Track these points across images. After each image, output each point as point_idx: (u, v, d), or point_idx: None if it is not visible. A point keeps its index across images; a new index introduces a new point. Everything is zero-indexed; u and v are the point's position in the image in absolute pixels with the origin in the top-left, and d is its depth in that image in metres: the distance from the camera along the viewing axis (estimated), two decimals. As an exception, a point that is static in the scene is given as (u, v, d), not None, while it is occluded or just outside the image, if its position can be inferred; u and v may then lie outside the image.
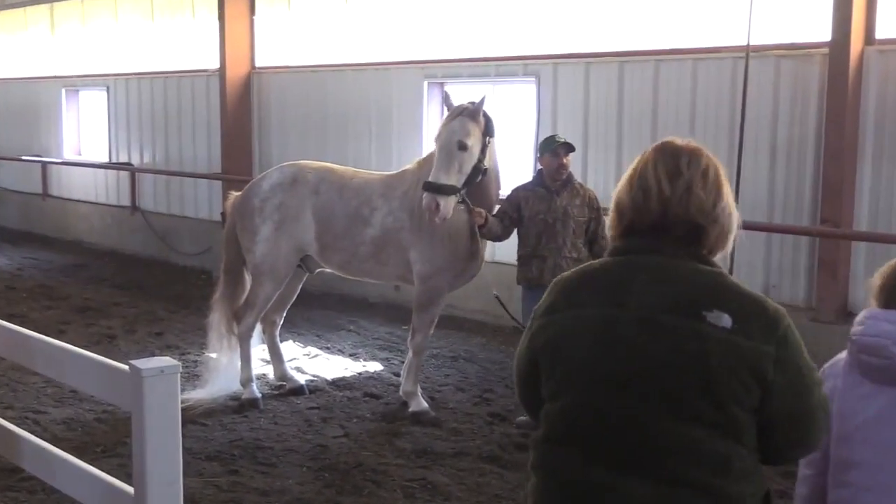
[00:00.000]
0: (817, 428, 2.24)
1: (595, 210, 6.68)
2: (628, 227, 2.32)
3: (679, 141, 2.38)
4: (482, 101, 6.49)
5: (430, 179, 6.39)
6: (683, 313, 2.15)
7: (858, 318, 2.61)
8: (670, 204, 2.25)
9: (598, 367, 2.22)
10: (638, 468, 2.14)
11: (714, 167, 2.32)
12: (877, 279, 2.65)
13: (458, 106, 6.52)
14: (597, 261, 2.45)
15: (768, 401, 2.14)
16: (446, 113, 6.61)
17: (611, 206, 2.40)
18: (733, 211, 2.31)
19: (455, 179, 6.37)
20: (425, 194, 6.34)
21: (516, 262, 6.77)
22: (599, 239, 6.65)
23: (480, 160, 6.46)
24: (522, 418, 6.76)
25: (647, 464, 2.14)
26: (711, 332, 2.12)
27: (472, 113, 6.45)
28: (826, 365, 2.65)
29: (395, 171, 7.53)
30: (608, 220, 2.42)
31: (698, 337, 2.12)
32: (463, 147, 6.37)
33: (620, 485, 2.15)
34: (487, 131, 6.50)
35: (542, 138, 7.20)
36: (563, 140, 6.72)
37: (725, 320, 2.13)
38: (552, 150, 6.64)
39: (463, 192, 6.43)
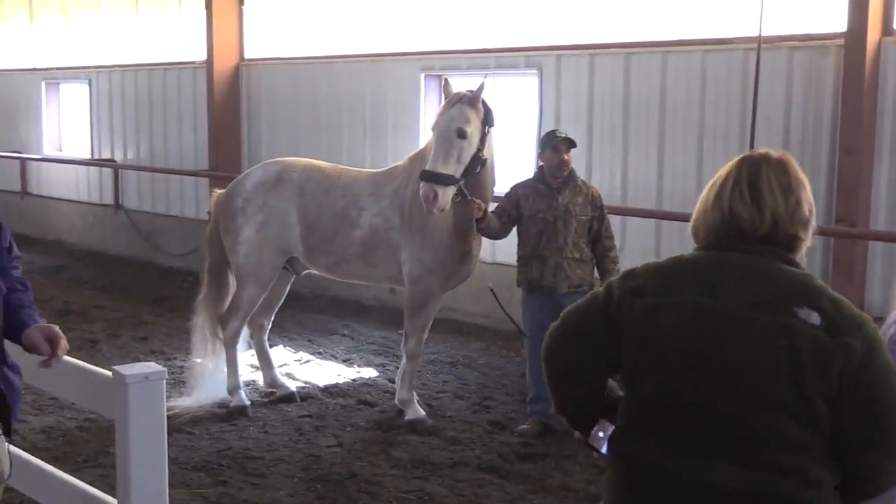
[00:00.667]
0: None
1: (598, 209, 6.68)
2: (733, 235, 2.51)
3: (774, 153, 2.59)
4: (481, 88, 6.48)
5: (427, 168, 6.38)
6: (775, 309, 2.35)
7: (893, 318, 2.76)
8: (782, 219, 2.47)
9: (688, 355, 2.40)
10: (724, 454, 2.33)
11: (805, 179, 2.55)
12: None
13: (457, 93, 6.51)
14: (688, 253, 2.62)
15: (850, 396, 2.30)
16: (444, 101, 6.61)
17: (709, 207, 2.61)
18: (814, 219, 2.56)
19: (453, 169, 6.35)
20: (423, 184, 6.32)
21: (516, 263, 6.78)
22: (603, 239, 6.65)
23: (479, 150, 6.45)
24: (524, 427, 6.77)
25: (734, 450, 2.32)
26: (801, 328, 2.31)
27: (472, 100, 6.44)
28: None
29: (384, 169, 7.53)
30: (695, 215, 2.66)
31: (789, 331, 2.31)
32: (462, 135, 6.35)
33: (706, 472, 2.33)
34: (487, 120, 6.49)
35: (543, 133, 7.21)
36: (564, 135, 6.72)
37: (815, 318, 2.32)
38: (553, 145, 6.64)
39: (461, 182, 6.42)
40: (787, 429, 2.32)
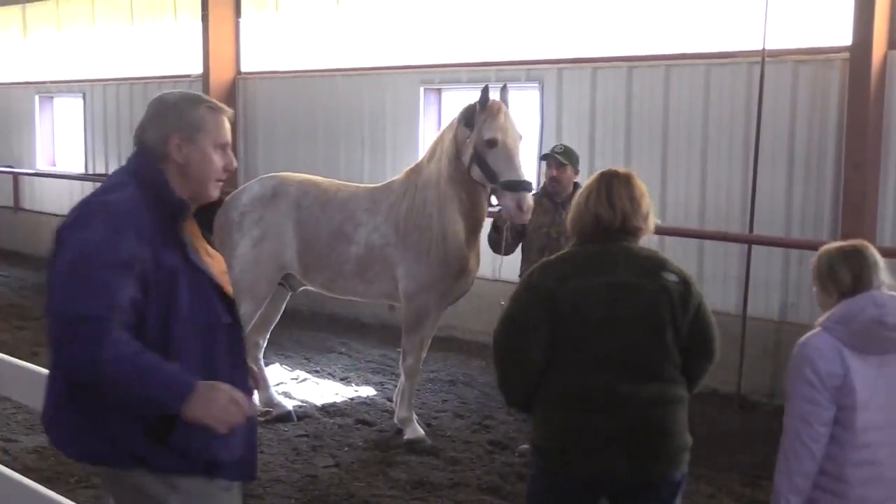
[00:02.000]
0: (716, 346, 3.64)
1: None
2: (599, 230, 3.64)
3: (622, 170, 3.76)
4: (506, 92, 6.61)
5: (516, 178, 6.32)
6: (652, 276, 3.56)
7: (879, 301, 3.42)
8: (629, 217, 3.63)
9: (610, 315, 3.51)
10: (645, 376, 3.52)
11: (643, 187, 3.70)
12: (845, 273, 3.50)
13: (495, 101, 6.53)
14: (575, 248, 3.72)
15: (696, 326, 3.58)
16: (498, 109, 6.53)
17: (581, 211, 3.68)
18: (652, 216, 3.73)
19: None
20: (527, 196, 6.28)
21: (518, 279, 6.76)
22: None
23: None
24: (524, 447, 6.74)
25: (649, 372, 3.53)
26: (670, 286, 3.54)
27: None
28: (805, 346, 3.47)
29: (381, 184, 7.53)
30: (572, 216, 3.73)
31: (665, 289, 3.53)
32: (521, 139, 6.52)
33: (639, 388, 3.50)
34: None
35: (546, 147, 7.21)
36: (560, 150, 6.62)
37: (674, 277, 3.56)
38: (543, 158, 6.69)
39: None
40: (671, 352, 3.53)
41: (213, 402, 2.77)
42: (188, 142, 3.05)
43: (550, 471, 3.60)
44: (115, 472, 2.95)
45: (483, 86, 6.53)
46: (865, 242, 3.62)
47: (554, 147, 6.76)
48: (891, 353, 3.43)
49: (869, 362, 3.40)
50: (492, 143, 6.35)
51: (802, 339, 3.48)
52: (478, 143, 6.42)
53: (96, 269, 2.76)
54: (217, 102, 3.20)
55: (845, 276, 3.49)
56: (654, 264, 3.61)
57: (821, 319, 3.47)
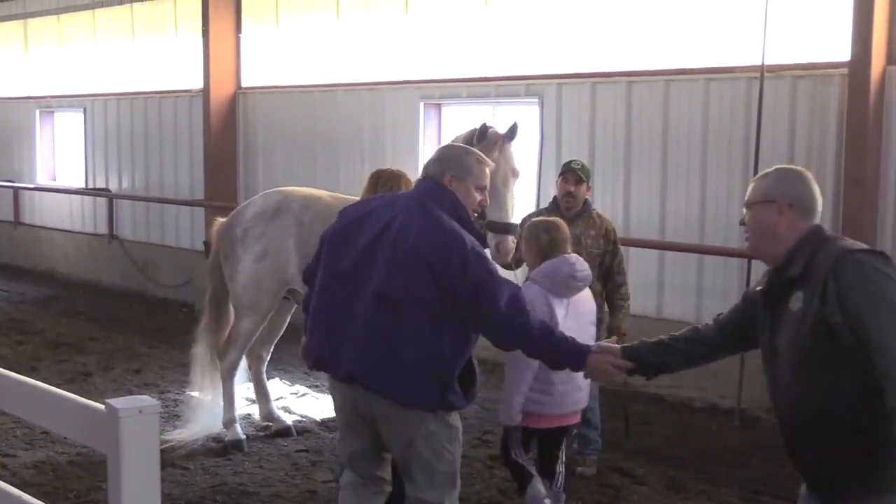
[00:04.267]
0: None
1: (612, 243, 6.59)
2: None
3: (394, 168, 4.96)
4: (516, 128, 6.21)
5: (499, 220, 5.89)
6: None
7: (570, 261, 5.09)
8: None
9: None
10: None
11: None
12: (545, 239, 5.23)
13: (493, 133, 6.13)
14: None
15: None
16: (488, 140, 6.09)
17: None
18: None
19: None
20: (507, 239, 5.85)
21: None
22: (614, 274, 6.54)
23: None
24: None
25: None
26: None
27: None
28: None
29: None
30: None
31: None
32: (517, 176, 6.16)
33: None
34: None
35: (546, 163, 7.18)
36: (578, 166, 6.63)
37: None
38: (562, 174, 6.61)
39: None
40: None
41: (601, 365, 4.21)
42: (459, 181, 4.38)
43: None
44: (420, 413, 4.22)
45: (481, 125, 6.11)
46: (560, 220, 5.42)
47: (572, 162, 6.70)
48: (576, 294, 5.11)
49: (562, 302, 5.02)
50: None
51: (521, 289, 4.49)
52: None
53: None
54: (482, 156, 4.53)
55: (544, 241, 5.17)
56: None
57: (532, 274, 5.15)
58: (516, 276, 6.63)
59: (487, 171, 4.44)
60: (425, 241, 4.14)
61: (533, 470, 5.24)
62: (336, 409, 4.61)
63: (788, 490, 6.44)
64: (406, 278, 4.14)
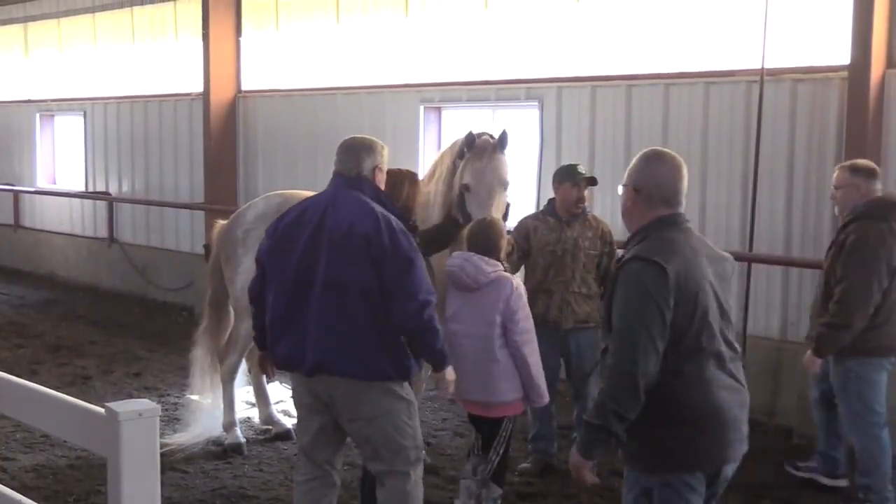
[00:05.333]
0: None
1: (608, 244, 6.63)
2: None
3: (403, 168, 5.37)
4: (505, 136, 6.24)
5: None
6: None
7: (463, 257, 5.55)
8: None
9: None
10: None
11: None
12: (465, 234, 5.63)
13: (483, 141, 6.16)
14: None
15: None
16: (476, 148, 6.14)
17: None
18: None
19: None
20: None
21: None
22: (611, 276, 6.57)
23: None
24: (525, 465, 6.74)
25: None
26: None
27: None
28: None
29: None
30: None
31: None
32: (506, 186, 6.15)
33: None
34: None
35: (546, 165, 7.18)
36: (586, 173, 6.72)
37: None
38: (574, 181, 6.58)
39: None
40: None
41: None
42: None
43: None
44: (380, 388, 4.62)
45: (467, 133, 6.18)
46: (491, 220, 5.68)
47: (577, 167, 6.75)
48: (472, 291, 5.48)
49: (460, 295, 5.54)
50: (466, 188, 6.07)
51: None
52: (460, 182, 6.16)
53: None
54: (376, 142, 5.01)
55: (464, 236, 5.72)
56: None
57: None
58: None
59: (386, 152, 4.95)
60: (358, 221, 4.56)
61: (474, 451, 5.70)
62: (297, 403, 5.02)
63: (788, 493, 6.45)
64: (348, 262, 4.54)
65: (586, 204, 6.69)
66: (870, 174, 6.01)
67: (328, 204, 4.71)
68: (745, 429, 3.77)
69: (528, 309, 5.60)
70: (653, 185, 3.72)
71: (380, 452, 4.74)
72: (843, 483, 6.41)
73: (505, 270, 5.60)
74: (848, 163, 6.27)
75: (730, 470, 3.81)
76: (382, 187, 4.89)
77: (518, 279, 5.76)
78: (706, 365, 3.60)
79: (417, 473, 4.86)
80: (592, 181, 6.64)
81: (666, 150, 4.02)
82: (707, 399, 3.61)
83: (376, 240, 4.50)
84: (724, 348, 3.68)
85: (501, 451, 5.61)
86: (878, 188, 6.04)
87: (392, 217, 4.63)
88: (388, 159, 4.97)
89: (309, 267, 4.62)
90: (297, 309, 4.66)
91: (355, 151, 4.86)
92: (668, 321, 3.50)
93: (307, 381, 4.73)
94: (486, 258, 5.51)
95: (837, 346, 5.87)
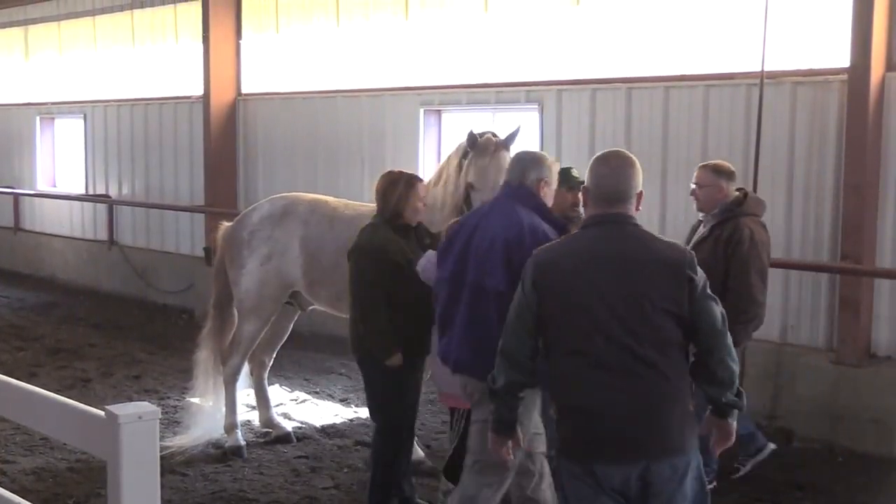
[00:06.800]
0: None
1: None
2: None
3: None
4: (515, 133, 6.31)
5: None
6: None
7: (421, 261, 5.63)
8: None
9: None
10: None
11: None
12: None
13: (486, 140, 6.22)
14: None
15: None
16: (479, 146, 6.22)
17: None
18: None
19: None
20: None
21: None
22: None
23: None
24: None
25: None
26: None
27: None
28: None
29: None
30: None
31: None
32: None
33: None
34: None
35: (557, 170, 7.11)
36: (581, 178, 6.66)
37: None
38: (569, 185, 6.56)
39: None
40: None
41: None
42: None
43: None
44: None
45: (469, 133, 6.20)
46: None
47: (571, 170, 6.67)
48: None
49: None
50: (471, 186, 6.11)
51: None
52: (465, 180, 6.22)
53: None
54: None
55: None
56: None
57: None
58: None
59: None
60: (502, 229, 4.78)
61: (449, 440, 5.79)
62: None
63: (788, 496, 6.45)
64: (487, 266, 4.76)
65: (581, 208, 6.65)
66: (731, 176, 6.43)
67: (486, 211, 5.03)
68: (639, 434, 3.68)
69: None
70: (593, 184, 3.98)
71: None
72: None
73: None
74: (711, 163, 6.59)
75: (634, 475, 3.70)
76: (550, 202, 5.10)
77: None
78: (581, 365, 3.75)
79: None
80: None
81: (619, 151, 4.25)
82: (578, 396, 3.77)
83: (517, 247, 4.67)
84: (612, 353, 3.71)
85: (455, 444, 5.52)
86: (733, 189, 6.41)
87: (540, 228, 4.80)
88: (555, 175, 5.20)
89: (463, 269, 4.93)
90: (450, 308, 4.99)
91: (522, 163, 5.07)
92: (534, 311, 3.87)
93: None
94: None
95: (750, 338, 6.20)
